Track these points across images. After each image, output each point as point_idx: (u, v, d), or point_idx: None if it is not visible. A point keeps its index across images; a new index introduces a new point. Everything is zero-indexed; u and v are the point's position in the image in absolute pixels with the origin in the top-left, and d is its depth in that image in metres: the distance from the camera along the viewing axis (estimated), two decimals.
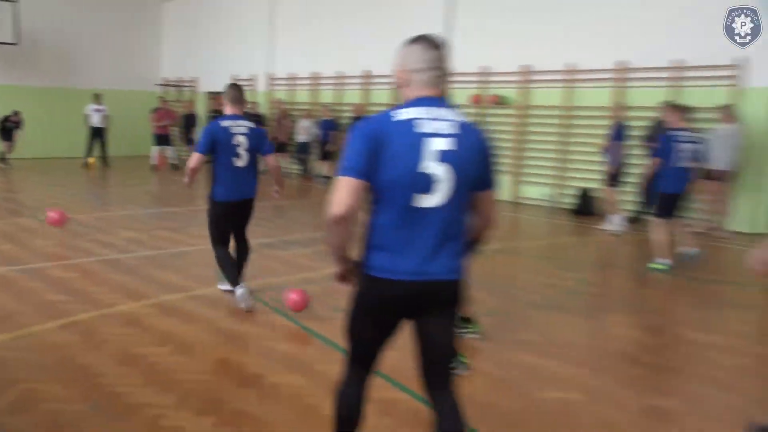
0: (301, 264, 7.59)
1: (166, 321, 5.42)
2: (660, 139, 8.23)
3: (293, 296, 5.58)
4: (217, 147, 5.61)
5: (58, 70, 20.23)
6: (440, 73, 2.61)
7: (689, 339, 5.52)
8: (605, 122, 12.17)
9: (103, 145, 18.06)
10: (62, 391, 4.03)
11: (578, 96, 12.74)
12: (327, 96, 17.47)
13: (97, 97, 18.09)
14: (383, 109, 12.16)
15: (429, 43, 2.61)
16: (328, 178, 16.60)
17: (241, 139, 5.63)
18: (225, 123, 5.65)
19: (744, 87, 10.73)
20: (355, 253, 2.68)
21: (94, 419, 3.70)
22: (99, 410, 3.80)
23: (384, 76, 16.05)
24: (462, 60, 14.43)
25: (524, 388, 4.36)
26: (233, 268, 5.79)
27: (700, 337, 5.57)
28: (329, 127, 16.27)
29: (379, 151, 2.48)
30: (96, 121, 17.88)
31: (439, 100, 2.61)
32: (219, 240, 5.87)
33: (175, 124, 18.90)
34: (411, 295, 2.61)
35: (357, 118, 15.56)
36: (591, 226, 11.04)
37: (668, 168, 7.68)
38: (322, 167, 16.78)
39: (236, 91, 5.87)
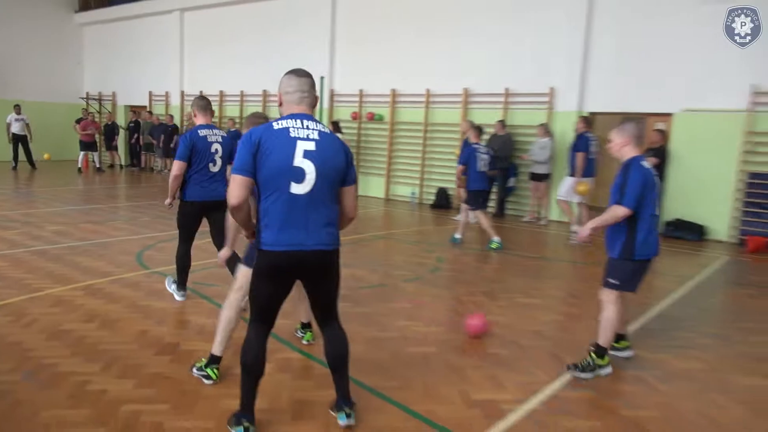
0: (212, 250, 7.35)
1: (92, 301, 5.13)
2: (464, 150, 8.76)
3: (474, 322, 4.62)
4: (195, 154, 5.03)
5: None
6: (306, 95, 2.95)
7: (518, 302, 5.76)
8: (456, 136, 12.67)
9: (27, 151, 16.79)
10: None
11: (435, 114, 13.11)
12: (233, 110, 16.99)
13: (17, 108, 16.74)
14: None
15: (298, 72, 2.96)
16: None
17: (218, 147, 5.13)
18: (203, 132, 5.09)
19: (555, 110, 11.43)
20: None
21: (27, 388, 3.46)
22: (31, 380, 3.57)
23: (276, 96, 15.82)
24: (343, 83, 14.60)
25: (396, 345, 4.46)
26: (185, 271, 5.33)
27: (525, 300, 5.85)
28: (235, 137, 15.84)
29: (259, 151, 2.77)
30: (16, 129, 16.58)
31: (306, 115, 2.92)
32: (185, 238, 5.30)
33: (98, 132, 17.77)
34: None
35: (230, 131, 15.23)
36: (447, 217, 11.42)
37: (473, 172, 8.30)
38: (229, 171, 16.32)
39: (205, 101, 5.30)
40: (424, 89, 13.02)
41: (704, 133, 9.91)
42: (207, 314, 4.95)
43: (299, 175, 2.77)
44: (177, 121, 17.56)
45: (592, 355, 4.02)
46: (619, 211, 3.89)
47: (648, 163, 4.03)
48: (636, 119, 11.13)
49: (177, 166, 5.01)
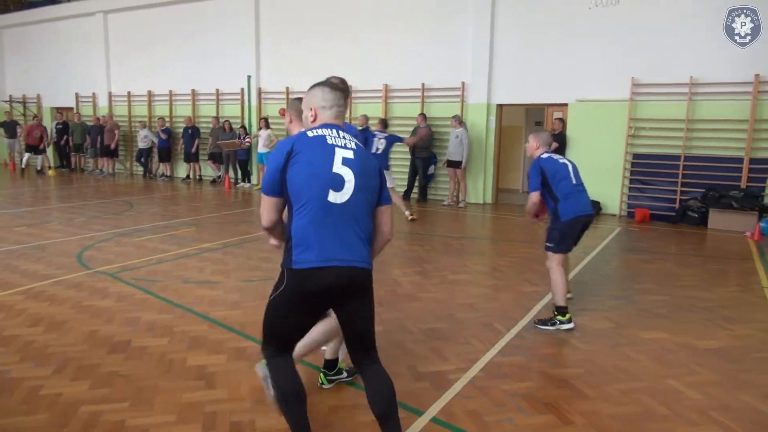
0: (153, 247, 7.00)
1: (35, 305, 4.71)
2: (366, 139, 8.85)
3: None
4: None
5: None
6: (343, 109, 2.56)
7: (449, 279, 5.82)
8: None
9: None
10: None
11: (357, 109, 12.96)
12: (163, 110, 16.15)
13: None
14: (212, 117, 11.51)
15: (333, 86, 2.57)
16: (168, 177, 15.48)
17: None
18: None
19: (467, 103, 11.63)
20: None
21: None
22: None
23: (207, 94, 15.21)
24: (270, 81, 14.19)
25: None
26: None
27: (455, 276, 5.93)
28: (167, 134, 15.13)
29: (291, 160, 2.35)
30: None
31: (339, 126, 2.51)
32: None
33: (44, 135, 16.32)
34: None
35: (189, 128, 14.62)
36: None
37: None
38: (162, 168, 15.58)
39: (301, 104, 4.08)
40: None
41: (595, 120, 10.41)
42: (157, 310, 4.67)
43: (338, 183, 2.33)
44: (103, 121, 16.49)
45: (555, 312, 4.43)
46: (533, 197, 4.50)
47: (549, 155, 4.57)
48: (535, 110, 11.54)
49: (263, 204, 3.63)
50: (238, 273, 5.90)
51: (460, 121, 11.12)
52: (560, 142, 10.47)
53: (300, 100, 3.24)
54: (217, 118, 14.60)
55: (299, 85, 13.59)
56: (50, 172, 16.08)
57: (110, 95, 17.09)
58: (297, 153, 2.34)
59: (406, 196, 11.93)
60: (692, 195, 9.59)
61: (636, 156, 10.20)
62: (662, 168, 9.96)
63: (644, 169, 10.14)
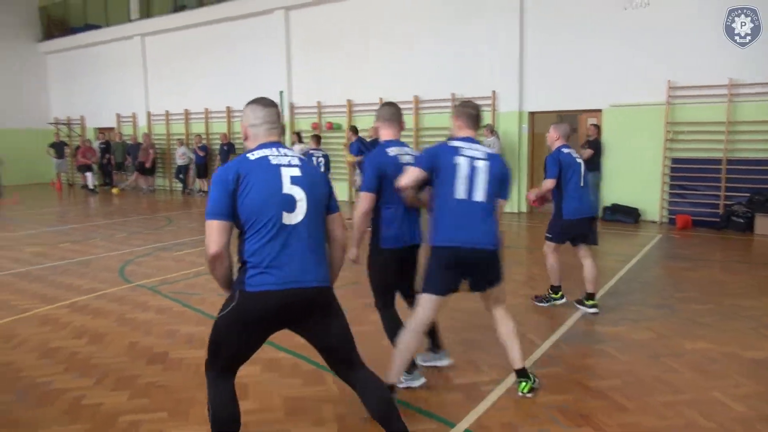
0: (191, 261, 7.17)
1: (79, 318, 4.89)
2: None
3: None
4: (384, 182, 3.27)
5: None
6: (275, 126, 2.46)
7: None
8: (410, 140, 12.68)
9: None
10: None
11: None
12: (198, 127, 16.59)
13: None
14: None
15: (263, 102, 2.46)
16: (205, 192, 15.81)
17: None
18: (392, 150, 3.36)
19: (498, 111, 11.56)
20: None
21: (20, 407, 3.26)
22: (24, 399, 3.36)
23: (240, 111, 15.53)
24: (301, 96, 14.43)
25: (373, 338, 4.37)
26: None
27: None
28: (204, 151, 15.49)
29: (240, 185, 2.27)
30: None
31: (279, 143, 2.45)
32: (388, 298, 3.54)
33: (95, 157, 17.15)
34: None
35: (225, 145, 14.96)
36: None
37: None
38: (199, 184, 15.98)
39: (393, 108, 3.50)
40: (377, 98, 12.95)
41: (631, 125, 10.19)
42: (195, 323, 4.77)
43: (290, 204, 2.30)
44: (141, 138, 17.03)
45: (549, 291, 5.20)
46: (548, 183, 4.83)
47: (568, 151, 4.90)
48: (563, 117, 11.39)
49: (366, 201, 3.28)
50: None
51: (491, 130, 11.06)
52: (596, 148, 10.30)
53: (388, 105, 3.48)
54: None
55: (331, 99, 13.79)
56: (114, 191, 16.57)
57: (149, 114, 17.65)
58: (244, 177, 2.26)
59: None
60: (736, 200, 9.26)
61: (675, 161, 9.93)
62: (703, 172, 9.65)
63: (685, 174, 9.85)
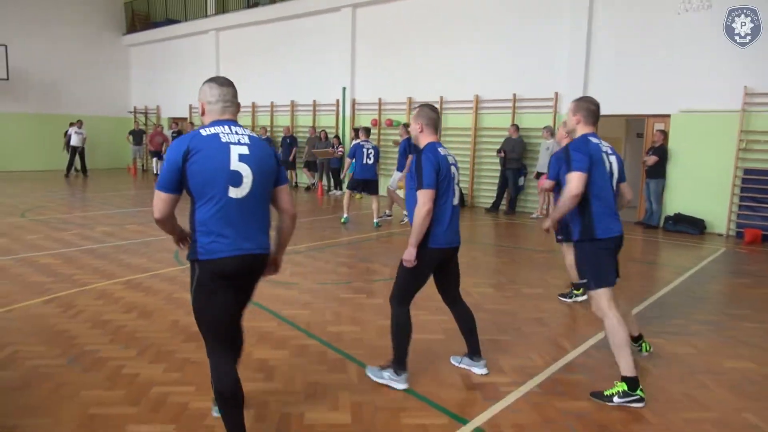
0: None
1: (132, 294, 5.25)
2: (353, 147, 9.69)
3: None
4: (441, 182, 3.33)
5: (43, 99, 19.07)
6: (229, 104, 2.63)
7: (522, 292, 5.70)
8: (468, 140, 12.62)
9: (82, 161, 17.50)
10: (44, 351, 3.87)
11: (447, 120, 13.05)
12: (264, 120, 17.17)
13: (79, 122, 17.38)
14: (308, 127, 11.97)
15: (219, 81, 2.65)
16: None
17: (454, 171, 3.47)
18: (442, 150, 3.41)
19: (560, 113, 11.29)
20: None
21: (70, 371, 3.57)
22: (74, 364, 3.67)
23: (305, 105, 15.95)
24: (363, 93, 14.64)
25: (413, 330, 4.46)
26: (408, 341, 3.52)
27: (530, 290, 5.78)
28: (291, 143, 15.81)
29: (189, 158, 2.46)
30: (75, 141, 17.22)
31: (233, 121, 2.62)
32: (408, 298, 3.58)
33: (165, 142, 17.90)
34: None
35: (288, 138, 15.38)
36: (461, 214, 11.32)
37: (358, 165, 9.32)
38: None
39: (435, 113, 3.50)
40: (438, 96, 12.97)
41: (701, 132, 9.69)
42: None
43: (237, 179, 2.48)
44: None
45: (572, 287, 5.44)
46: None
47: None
48: (636, 121, 10.95)
49: (426, 197, 3.25)
50: (315, 276, 6.16)
51: (551, 132, 10.81)
52: (661, 155, 9.88)
53: (429, 107, 3.51)
54: (313, 127, 15.27)
55: (392, 96, 13.91)
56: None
57: None
58: (194, 152, 2.43)
59: (495, 208, 11.79)
60: None
61: (747, 171, 9.36)
62: None
63: (757, 186, 9.27)
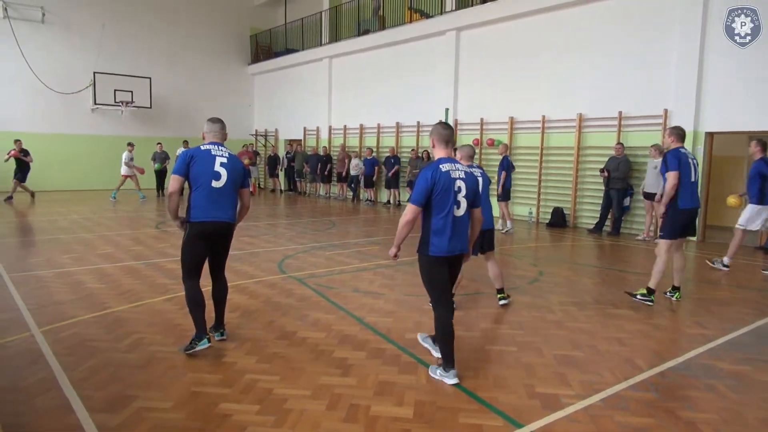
0: (339, 260, 8.03)
1: (237, 297, 5.89)
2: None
3: None
4: (434, 196, 3.76)
5: (181, 125, 21.31)
6: (216, 133, 4.45)
7: (607, 312, 5.61)
8: (570, 159, 12.41)
9: None
10: (162, 339, 4.55)
11: (550, 139, 12.92)
12: (370, 141, 17.99)
13: (185, 143, 18.30)
14: (411, 149, 12.60)
15: (213, 120, 4.50)
16: (372, 201, 17.05)
17: (461, 185, 3.81)
18: (445, 166, 3.78)
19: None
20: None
21: (180, 356, 4.18)
22: (191, 350, 4.28)
23: (409, 126, 16.51)
24: (465, 114, 14.90)
25: (477, 343, 4.66)
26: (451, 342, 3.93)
27: (615, 311, 5.66)
28: (373, 163, 16.76)
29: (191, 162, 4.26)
30: None
31: (219, 143, 4.42)
32: (442, 298, 3.96)
33: (253, 161, 19.16)
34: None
35: (392, 158, 16.06)
36: (562, 234, 11.19)
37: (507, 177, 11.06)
38: (367, 193, 17.27)
39: (449, 130, 3.93)
40: (539, 116, 12.91)
41: None
42: (324, 311, 5.48)
43: (217, 176, 4.24)
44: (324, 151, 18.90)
45: (643, 289, 6.01)
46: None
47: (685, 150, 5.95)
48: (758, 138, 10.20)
49: (410, 210, 3.79)
50: (402, 288, 6.50)
51: (660, 150, 10.37)
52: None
53: (441, 124, 4.02)
54: (414, 149, 15.79)
55: (493, 116, 14.05)
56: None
57: (330, 128, 19.58)
58: (195, 158, 4.24)
59: (598, 229, 11.45)
60: None
61: None
62: None
63: None
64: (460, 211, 3.85)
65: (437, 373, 3.89)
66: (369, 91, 17.80)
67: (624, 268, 8.08)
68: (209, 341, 4.23)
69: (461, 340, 4.70)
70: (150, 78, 20.02)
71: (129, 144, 16.40)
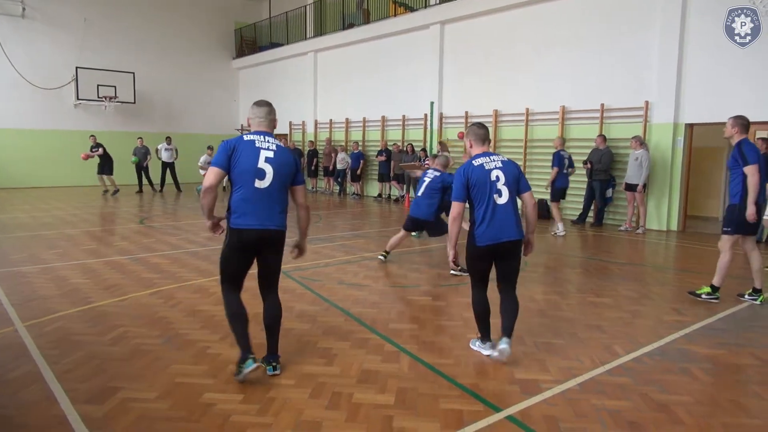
0: (325, 253, 8.06)
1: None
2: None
3: None
4: (471, 190, 3.94)
5: (165, 120, 21.19)
6: (263, 119, 3.69)
7: (587, 301, 5.72)
8: (552, 151, 12.52)
9: (173, 176, 17.94)
10: (146, 332, 4.57)
11: (534, 131, 13.03)
12: (356, 135, 18.00)
13: (168, 139, 18.05)
14: (397, 143, 12.61)
15: (259, 103, 3.74)
16: (359, 195, 17.09)
17: (499, 173, 3.93)
18: (478, 161, 3.97)
19: (650, 123, 10.94)
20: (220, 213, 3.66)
21: (164, 349, 4.21)
22: (168, 344, 4.31)
23: (395, 120, 16.55)
24: (450, 107, 14.96)
25: (458, 331, 4.72)
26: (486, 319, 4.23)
27: (596, 299, 5.79)
28: (359, 157, 16.81)
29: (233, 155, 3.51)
30: (165, 157, 17.77)
31: (267, 132, 3.66)
32: (479, 280, 4.14)
33: None
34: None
35: (381, 150, 16.09)
36: (546, 226, 11.29)
37: (560, 175, 10.24)
38: (353, 187, 17.29)
39: (484, 130, 4.12)
40: (523, 108, 13.01)
41: None
42: (309, 303, 5.52)
43: (261, 174, 3.49)
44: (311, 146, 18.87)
45: (707, 287, 5.72)
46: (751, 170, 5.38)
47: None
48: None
49: (454, 207, 3.99)
50: (386, 279, 6.56)
51: (640, 141, 10.52)
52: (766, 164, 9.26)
53: (476, 125, 4.18)
54: (401, 142, 15.82)
55: (478, 109, 14.13)
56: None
57: (315, 123, 19.55)
58: (237, 150, 3.49)
59: (581, 220, 11.59)
60: None
61: None
62: None
63: None
64: (503, 199, 3.93)
65: (476, 345, 4.24)
66: (354, 84, 17.81)
67: (607, 258, 8.21)
68: (255, 361, 3.51)
69: (444, 329, 4.79)
70: (133, 73, 19.86)
71: (209, 147, 17.44)
